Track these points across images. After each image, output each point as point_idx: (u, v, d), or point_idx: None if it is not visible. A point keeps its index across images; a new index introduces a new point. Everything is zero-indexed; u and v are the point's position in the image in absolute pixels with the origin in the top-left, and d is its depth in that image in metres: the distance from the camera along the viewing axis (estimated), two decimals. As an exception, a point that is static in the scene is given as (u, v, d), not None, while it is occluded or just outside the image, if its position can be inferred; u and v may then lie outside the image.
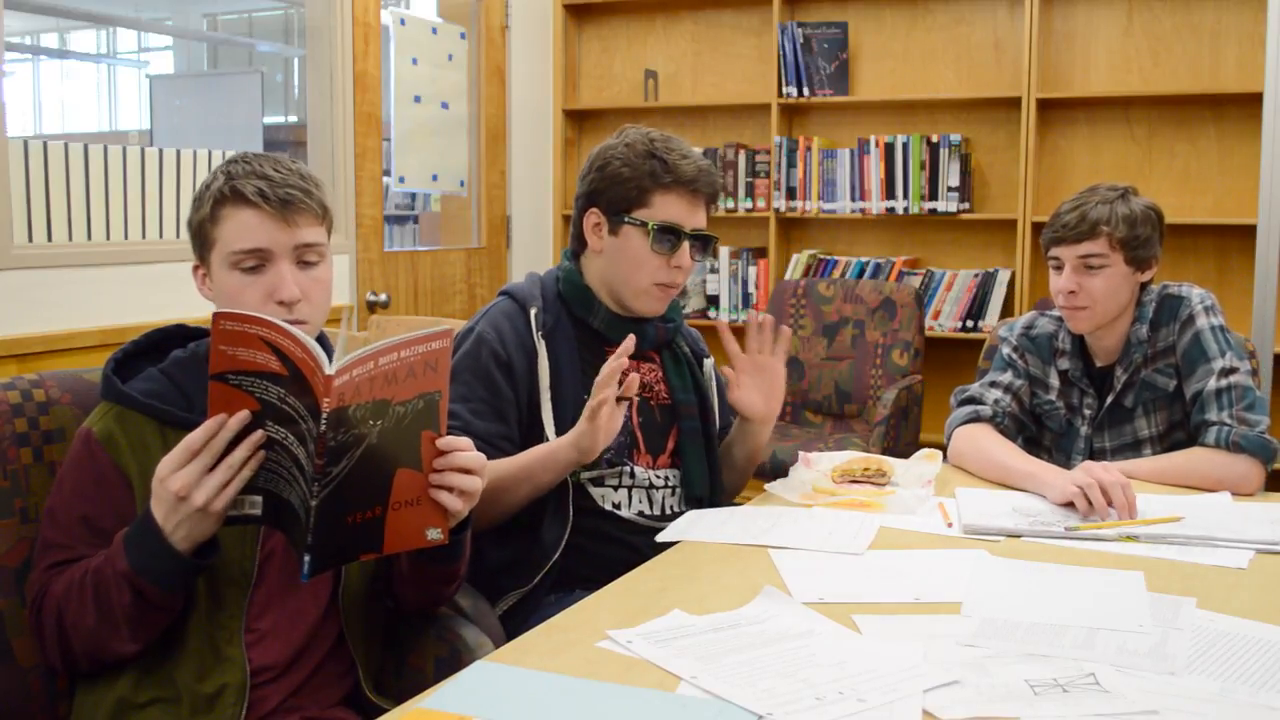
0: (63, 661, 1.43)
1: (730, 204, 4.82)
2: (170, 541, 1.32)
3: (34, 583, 1.43)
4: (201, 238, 1.52)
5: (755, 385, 2.01)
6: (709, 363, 2.15)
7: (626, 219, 1.93)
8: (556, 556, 1.86)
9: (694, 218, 1.95)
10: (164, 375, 1.50)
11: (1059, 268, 2.20)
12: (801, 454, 2.12)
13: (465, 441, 1.39)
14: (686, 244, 1.94)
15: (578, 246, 2.02)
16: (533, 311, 1.96)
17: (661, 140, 1.94)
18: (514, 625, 1.81)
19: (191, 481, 1.28)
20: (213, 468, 1.29)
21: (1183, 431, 2.22)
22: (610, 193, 1.94)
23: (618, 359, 1.73)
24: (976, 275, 4.51)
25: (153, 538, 1.32)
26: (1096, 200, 2.17)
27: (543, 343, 1.94)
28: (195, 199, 1.52)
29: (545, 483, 1.84)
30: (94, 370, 1.55)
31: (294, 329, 1.24)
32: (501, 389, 1.90)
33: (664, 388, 2.05)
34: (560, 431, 1.88)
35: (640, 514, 1.95)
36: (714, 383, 2.14)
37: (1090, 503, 1.83)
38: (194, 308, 1.48)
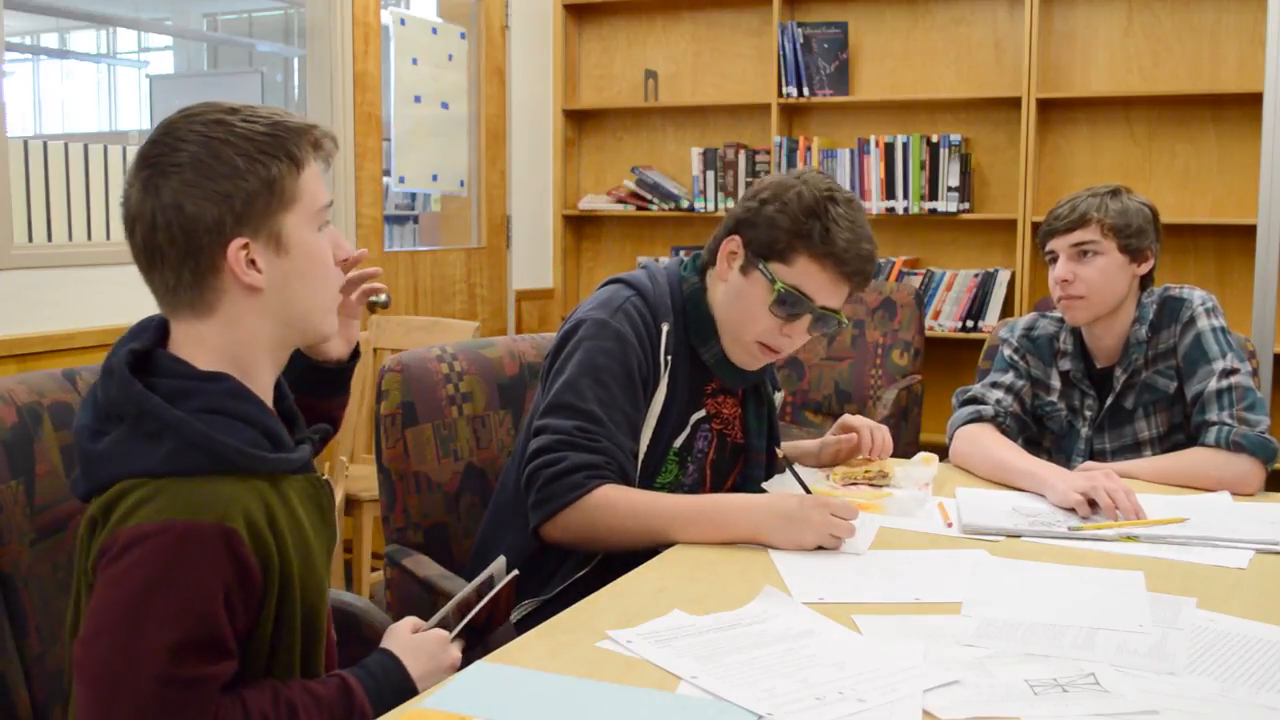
0: None
1: (730, 204, 4.82)
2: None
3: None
4: (269, 198, 1.20)
5: None
6: (779, 396, 2.06)
7: (761, 266, 1.79)
8: (586, 570, 1.78)
9: (829, 295, 1.80)
10: (221, 414, 1.19)
11: (1054, 260, 2.23)
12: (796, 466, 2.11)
13: None
14: (808, 318, 1.80)
15: (709, 261, 1.89)
16: (665, 328, 1.82)
17: (835, 202, 1.77)
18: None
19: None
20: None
21: (1183, 433, 2.22)
22: (759, 232, 1.79)
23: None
24: (976, 275, 4.51)
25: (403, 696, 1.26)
26: (1088, 195, 2.23)
27: (668, 369, 1.82)
28: (244, 154, 1.19)
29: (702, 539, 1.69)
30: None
31: None
32: (639, 402, 1.78)
33: (739, 425, 1.97)
34: (648, 463, 1.81)
35: None
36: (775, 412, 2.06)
37: (1094, 505, 1.84)
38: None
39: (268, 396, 1.27)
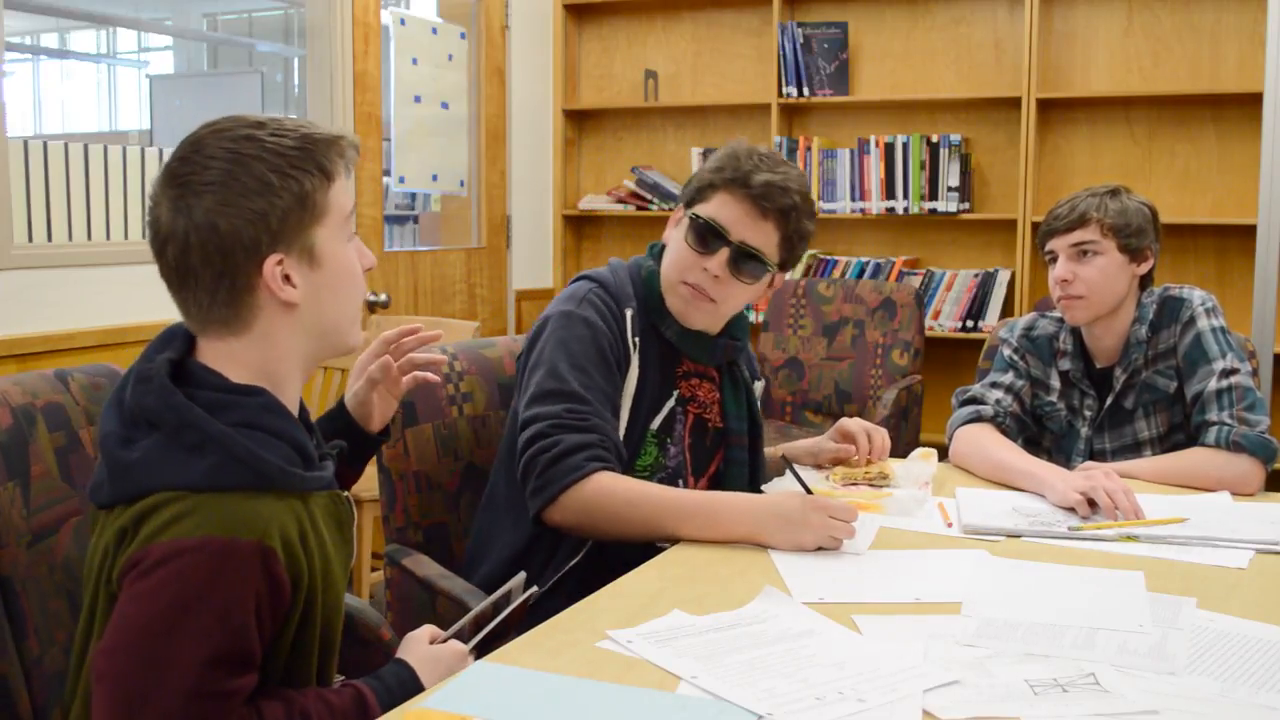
0: None
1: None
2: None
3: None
4: (302, 213, 1.19)
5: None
6: (759, 385, 2.09)
7: (686, 211, 1.87)
8: (575, 561, 1.78)
9: (746, 228, 1.83)
10: (257, 429, 1.18)
11: (1054, 260, 2.23)
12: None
13: None
14: (726, 251, 1.82)
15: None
16: (629, 313, 1.86)
17: (757, 151, 1.85)
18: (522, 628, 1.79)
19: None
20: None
21: (1183, 433, 2.22)
22: (690, 185, 1.89)
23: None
24: (976, 275, 4.51)
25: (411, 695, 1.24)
26: (1087, 195, 2.23)
27: (637, 351, 1.86)
28: (276, 170, 1.17)
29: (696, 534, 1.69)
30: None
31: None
32: (616, 383, 1.82)
33: (717, 409, 1.99)
34: (627, 445, 1.82)
35: None
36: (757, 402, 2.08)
37: (1094, 505, 1.84)
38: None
39: (294, 409, 1.26)
